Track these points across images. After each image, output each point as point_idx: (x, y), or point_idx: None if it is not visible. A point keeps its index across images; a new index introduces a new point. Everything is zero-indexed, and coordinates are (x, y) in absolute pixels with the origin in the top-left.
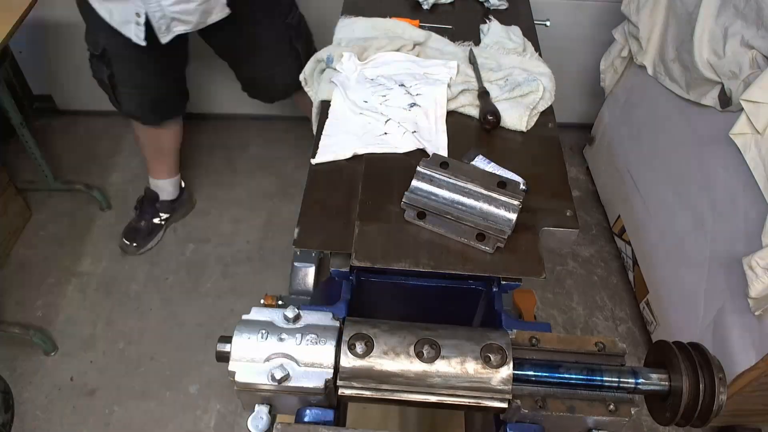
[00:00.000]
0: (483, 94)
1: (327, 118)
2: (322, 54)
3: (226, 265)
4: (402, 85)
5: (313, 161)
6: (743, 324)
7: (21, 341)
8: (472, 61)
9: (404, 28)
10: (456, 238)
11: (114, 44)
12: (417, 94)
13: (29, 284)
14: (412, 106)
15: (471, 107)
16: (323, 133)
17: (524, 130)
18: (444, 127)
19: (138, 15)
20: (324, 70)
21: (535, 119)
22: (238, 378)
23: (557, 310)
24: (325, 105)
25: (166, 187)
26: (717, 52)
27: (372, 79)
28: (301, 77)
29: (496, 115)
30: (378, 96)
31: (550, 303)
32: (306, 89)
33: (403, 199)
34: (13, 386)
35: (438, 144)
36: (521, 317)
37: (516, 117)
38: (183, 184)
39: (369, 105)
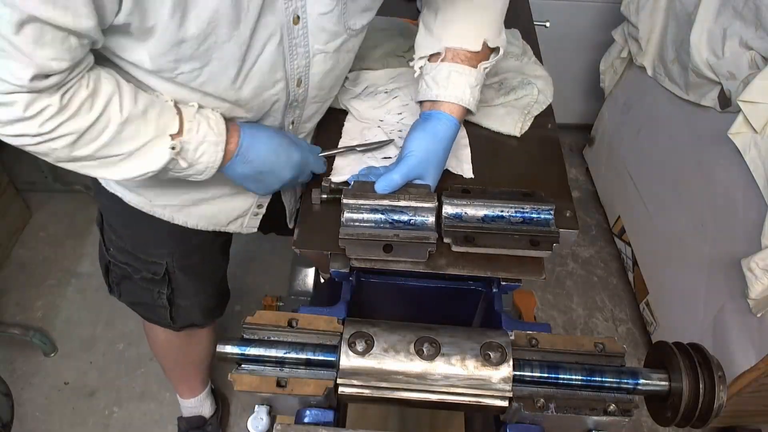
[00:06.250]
0: None
1: (340, 137)
2: None
3: None
4: None
5: (333, 179)
6: (743, 324)
7: (21, 342)
8: None
9: (403, 29)
10: (509, 252)
11: (181, 254)
12: None
13: (29, 285)
14: None
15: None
16: (336, 154)
17: (518, 135)
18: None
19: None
20: None
21: (529, 123)
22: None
23: (557, 311)
24: None
25: (206, 402)
26: (716, 52)
27: (386, 92)
28: None
29: None
30: (394, 114)
31: (550, 304)
32: None
33: (443, 230)
34: (13, 387)
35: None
36: (521, 318)
37: (510, 123)
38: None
39: (384, 123)
